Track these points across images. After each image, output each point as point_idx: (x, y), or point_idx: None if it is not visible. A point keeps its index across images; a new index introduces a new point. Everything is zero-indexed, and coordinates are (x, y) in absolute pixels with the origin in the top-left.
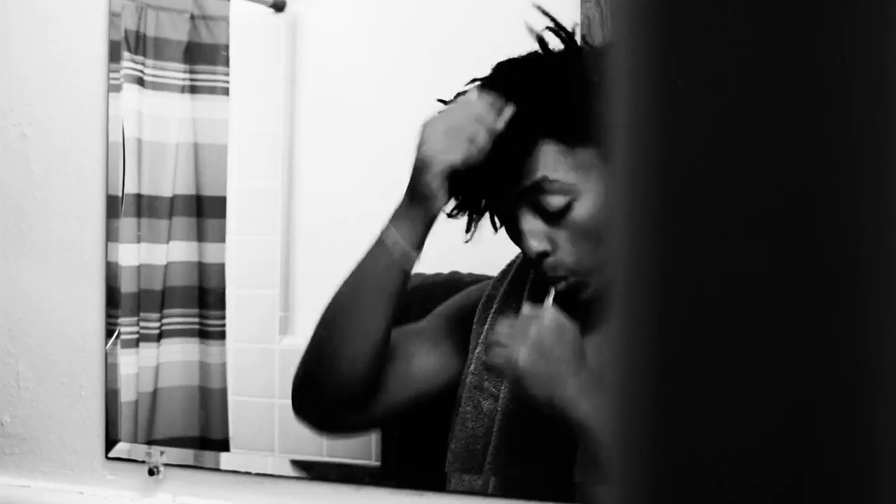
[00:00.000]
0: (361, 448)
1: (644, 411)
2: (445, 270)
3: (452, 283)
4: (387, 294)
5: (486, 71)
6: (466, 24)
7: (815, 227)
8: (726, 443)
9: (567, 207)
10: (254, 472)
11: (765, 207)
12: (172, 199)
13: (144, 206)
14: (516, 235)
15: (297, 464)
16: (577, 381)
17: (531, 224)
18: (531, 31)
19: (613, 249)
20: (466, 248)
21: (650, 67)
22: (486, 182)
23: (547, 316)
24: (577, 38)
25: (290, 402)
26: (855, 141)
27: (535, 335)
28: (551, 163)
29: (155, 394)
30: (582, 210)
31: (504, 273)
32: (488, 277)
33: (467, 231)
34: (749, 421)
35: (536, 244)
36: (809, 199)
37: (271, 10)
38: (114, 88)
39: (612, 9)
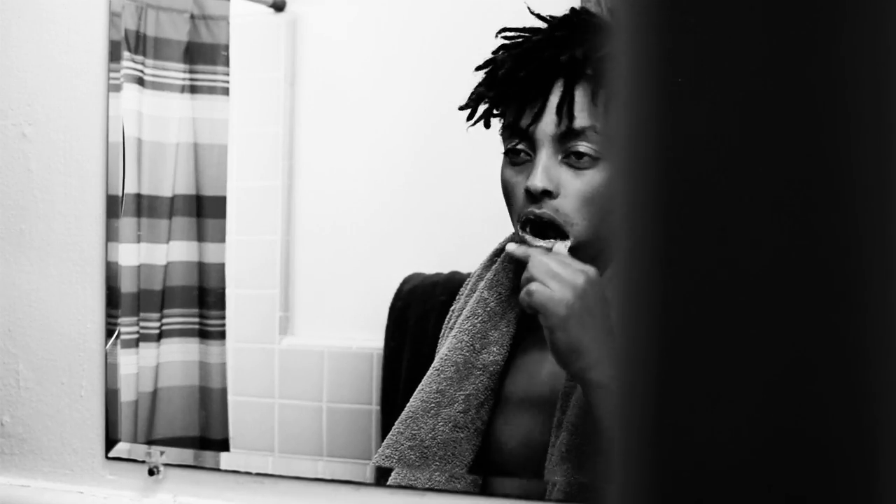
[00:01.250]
0: (361, 448)
1: (645, 413)
2: (445, 270)
3: (453, 282)
4: None
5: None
6: (466, 23)
7: (816, 227)
8: (726, 445)
9: (589, 164)
10: (254, 472)
11: (766, 207)
12: (172, 199)
13: (144, 206)
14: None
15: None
16: (605, 344)
17: (549, 161)
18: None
19: (615, 250)
20: (467, 249)
21: (650, 66)
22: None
23: (590, 270)
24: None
25: (289, 401)
26: (857, 141)
27: (583, 284)
28: (599, 116)
29: (155, 394)
30: (598, 176)
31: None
32: None
33: (470, 118)
34: (748, 424)
35: (545, 180)
36: (811, 199)
37: (271, 10)
38: (114, 88)
39: (612, 8)
